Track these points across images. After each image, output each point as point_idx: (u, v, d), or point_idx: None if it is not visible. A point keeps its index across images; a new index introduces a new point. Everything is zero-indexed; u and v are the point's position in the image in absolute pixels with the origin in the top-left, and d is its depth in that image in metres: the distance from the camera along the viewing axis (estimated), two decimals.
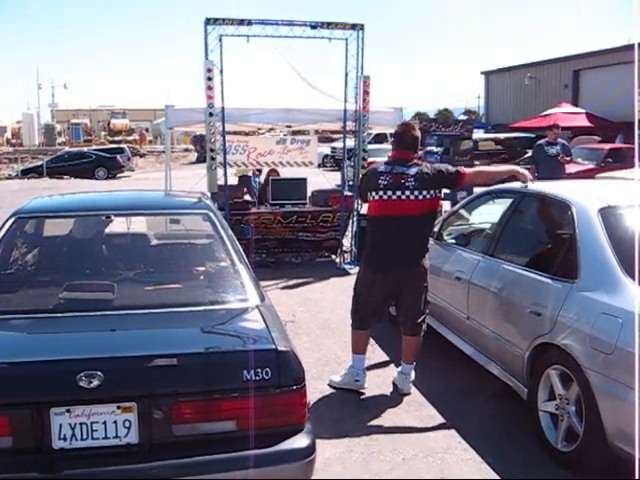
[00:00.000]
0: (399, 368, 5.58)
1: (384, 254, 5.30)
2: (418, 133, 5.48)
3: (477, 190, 7.65)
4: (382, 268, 5.33)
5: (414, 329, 5.46)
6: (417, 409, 5.14)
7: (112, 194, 6.22)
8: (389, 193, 5.23)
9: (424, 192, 5.21)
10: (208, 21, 9.56)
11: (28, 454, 3.00)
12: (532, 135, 24.88)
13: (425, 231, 5.42)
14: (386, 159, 5.89)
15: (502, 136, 27.58)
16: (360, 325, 5.51)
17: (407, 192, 5.20)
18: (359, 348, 5.53)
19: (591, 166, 18.98)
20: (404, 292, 5.38)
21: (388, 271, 5.32)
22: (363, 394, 5.41)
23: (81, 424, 3.01)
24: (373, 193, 5.31)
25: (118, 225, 4.94)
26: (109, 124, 58.14)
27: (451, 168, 5.41)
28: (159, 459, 3.05)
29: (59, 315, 3.65)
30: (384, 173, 5.30)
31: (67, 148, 41.77)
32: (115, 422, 3.03)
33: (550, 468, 4.22)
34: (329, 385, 5.53)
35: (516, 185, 5.55)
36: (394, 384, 5.55)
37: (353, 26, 10.20)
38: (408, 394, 5.43)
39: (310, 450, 3.22)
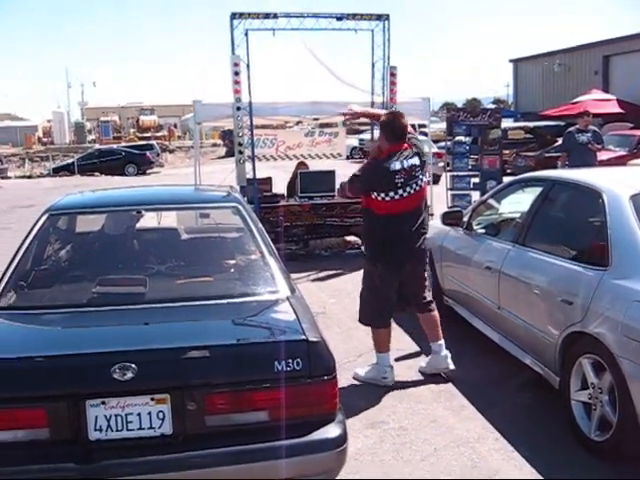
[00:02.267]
0: (432, 349, 5.58)
1: (403, 247, 5.30)
2: (407, 120, 5.41)
3: (506, 179, 7.61)
4: (403, 262, 5.33)
5: (427, 306, 5.55)
6: (448, 399, 5.14)
7: (142, 189, 6.29)
8: (408, 190, 5.21)
9: (424, 175, 5.37)
10: (234, 15, 9.60)
11: (65, 445, 3.06)
12: (562, 123, 24.55)
13: (426, 214, 5.53)
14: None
15: (531, 124, 27.24)
16: (383, 323, 5.46)
17: (419, 182, 5.28)
18: (385, 347, 5.47)
19: (623, 153, 18.68)
20: (413, 276, 5.46)
21: (407, 264, 5.35)
22: (394, 385, 5.41)
23: (116, 415, 3.06)
24: (391, 193, 5.17)
25: (149, 220, 5.00)
26: (138, 121, 58.58)
27: None
28: (193, 449, 3.09)
29: (93, 309, 3.71)
30: (398, 171, 5.17)
31: (97, 145, 42.23)
32: (149, 413, 3.08)
33: (583, 458, 4.19)
34: (354, 378, 5.50)
35: (546, 173, 5.50)
36: (424, 374, 5.56)
37: (379, 17, 10.18)
38: (451, 370, 5.47)
39: (341, 440, 3.23)
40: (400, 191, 5.18)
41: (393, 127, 5.31)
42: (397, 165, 5.19)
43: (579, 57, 35.75)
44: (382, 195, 5.20)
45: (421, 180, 5.30)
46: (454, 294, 6.61)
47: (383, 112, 5.74)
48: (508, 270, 5.35)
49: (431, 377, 5.53)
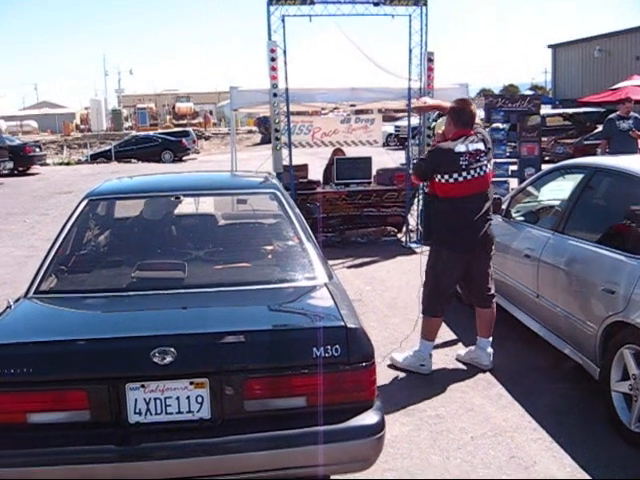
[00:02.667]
0: (477, 343, 5.53)
1: (469, 233, 5.23)
2: (475, 109, 5.43)
3: (545, 167, 7.51)
4: (468, 247, 5.26)
5: (489, 301, 5.46)
6: (485, 388, 5.10)
7: (180, 175, 6.31)
8: (472, 172, 5.16)
9: (490, 163, 5.32)
10: (270, 1, 9.57)
11: (105, 427, 3.09)
12: (602, 109, 24.17)
13: (491, 202, 5.44)
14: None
15: (570, 111, 26.84)
16: (438, 312, 5.39)
17: (484, 168, 5.24)
18: (432, 335, 5.42)
19: None
20: (478, 266, 5.36)
21: (473, 249, 5.28)
22: (430, 372, 5.39)
23: (155, 399, 3.08)
24: (455, 175, 5.14)
25: (187, 206, 5.02)
26: (174, 108, 58.95)
27: None
28: (230, 434, 3.10)
29: (132, 293, 3.74)
30: (463, 153, 5.16)
31: (134, 132, 42.56)
32: (188, 397, 3.09)
33: (623, 449, 4.13)
34: (391, 363, 5.49)
35: (587, 160, 5.42)
36: (461, 362, 5.53)
37: (416, 2, 10.06)
38: (490, 369, 5.41)
39: (379, 427, 3.22)
40: (464, 173, 5.14)
41: (462, 113, 5.34)
42: (462, 147, 5.19)
43: (620, 42, 35.09)
44: (446, 177, 5.17)
45: (486, 166, 5.26)
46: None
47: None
48: (547, 258, 5.29)
49: (468, 365, 5.50)
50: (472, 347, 5.58)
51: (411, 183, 10.51)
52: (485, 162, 5.25)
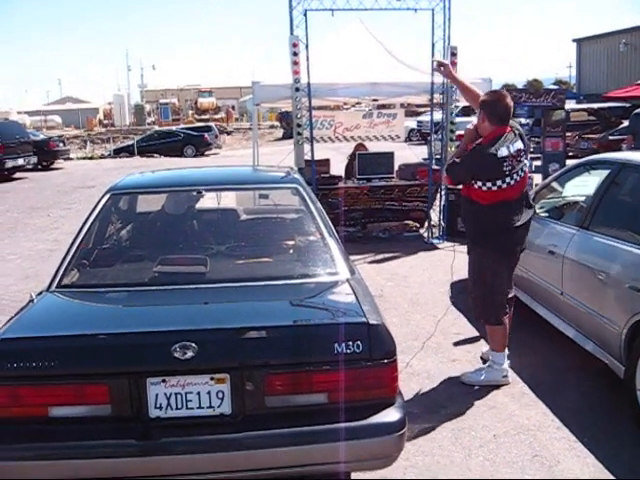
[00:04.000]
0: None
1: (513, 237, 4.96)
2: (511, 101, 4.97)
3: (570, 162, 7.42)
4: (514, 251, 5.04)
5: (511, 302, 5.27)
6: (509, 385, 5.05)
7: (202, 170, 6.31)
8: (515, 177, 4.81)
9: (527, 159, 5.07)
10: None
11: (126, 421, 3.09)
12: (627, 104, 23.91)
13: (529, 199, 5.16)
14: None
15: (595, 106, 26.56)
16: (501, 318, 5.07)
17: (524, 168, 4.92)
18: (502, 345, 5.11)
19: None
20: (512, 269, 5.17)
21: (517, 253, 5.07)
22: (454, 368, 5.34)
23: (176, 394, 3.07)
24: (498, 182, 4.75)
25: (208, 201, 5.01)
26: (196, 103, 59.21)
27: None
28: (251, 430, 3.08)
29: (154, 288, 3.74)
30: (506, 158, 4.76)
31: (156, 127, 42.84)
32: (209, 393, 3.09)
33: None
34: (465, 383, 5.12)
35: (613, 156, 5.32)
36: (483, 359, 5.47)
37: None
38: (510, 366, 5.24)
39: (401, 424, 3.19)
40: (508, 179, 4.78)
41: (497, 108, 4.87)
42: (504, 151, 4.77)
43: None
44: (488, 184, 4.78)
45: (526, 165, 4.96)
46: (515, 279, 6.45)
47: (477, 90, 5.31)
48: (572, 255, 5.22)
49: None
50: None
51: (437, 179, 10.45)
52: (525, 162, 4.94)
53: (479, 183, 4.84)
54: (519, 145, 4.88)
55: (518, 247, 5.08)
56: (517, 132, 4.95)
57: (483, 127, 4.94)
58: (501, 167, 4.75)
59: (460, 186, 5.20)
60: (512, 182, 4.81)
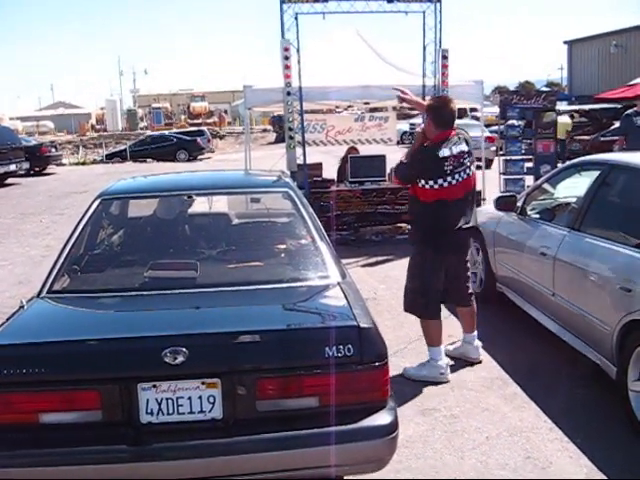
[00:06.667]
0: (464, 339, 5.61)
1: (451, 237, 5.18)
2: (456, 106, 5.28)
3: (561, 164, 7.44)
4: (452, 250, 5.24)
5: (468, 299, 5.51)
6: (501, 387, 5.06)
7: (193, 174, 6.31)
8: (456, 177, 5.08)
9: (473, 165, 5.24)
10: (283, 0, 9.56)
11: (117, 427, 3.08)
12: (619, 106, 23.96)
13: (474, 204, 5.38)
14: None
15: (587, 107, 26.63)
16: (434, 314, 5.29)
17: (467, 170, 5.15)
18: (437, 339, 5.29)
19: None
20: (458, 268, 5.37)
21: (456, 252, 5.27)
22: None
23: (167, 399, 3.07)
24: (439, 180, 5.04)
25: (200, 205, 5.01)
26: (189, 107, 59.14)
27: None
28: (242, 434, 3.08)
29: (144, 293, 3.73)
30: (448, 158, 5.05)
31: (149, 132, 42.71)
32: (200, 397, 3.08)
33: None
34: (405, 377, 5.25)
35: (603, 157, 5.35)
36: (459, 357, 5.53)
37: None
38: (479, 362, 5.47)
39: (393, 427, 3.19)
40: (449, 178, 5.06)
41: (442, 112, 5.18)
42: (446, 152, 5.06)
43: (636, 38, 34.88)
44: (430, 183, 5.07)
45: (469, 168, 5.18)
46: (507, 280, 6.50)
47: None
48: (564, 256, 5.23)
49: (483, 365, 5.47)
50: (459, 343, 5.67)
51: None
52: (468, 164, 5.16)
53: (422, 181, 5.11)
54: (462, 148, 5.16)
55: (458, 249, 5.29)
56: (462, 137, 5.23)
57: (429, 130, 5.23)
58: (442, 166, 5.04)
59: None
60: (453, 181, 5.08)
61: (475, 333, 5.57)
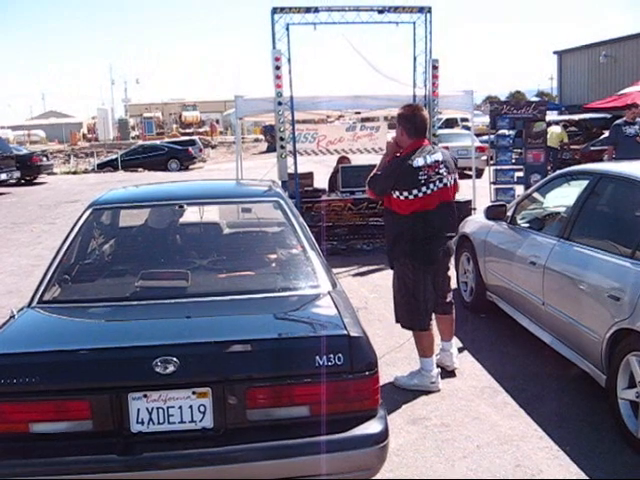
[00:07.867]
0: (440, 346, 5.59)
1: (432, 246, 5.12)
2: (427, 114, 5.24)
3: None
4: (433, 260, 5.16)
5: (448, 308, 5.49)
6: (491, 396, 5.07)
7: (184, 184, 6.31)
8: (431, 187, 4.99)
9: (451, 177, 5.16)
10: (275, 10, 9.62)
11: (108, 437, 3.08)
12: (608, 115, 24.09)
13: (455, 216, 5.33)
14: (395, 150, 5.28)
15: (577, 117, 26.77)
16: (424, 325, 5.24)
17: (443, 180, 5.08)
18: (429, 350, 5.26)
19: None
20: (439, 277, 5.33)
21: (436, 262, 5.20)
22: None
23: (158, 409, 3.07)
24: (414, 191, 4.95)
25: (191, 215, 5.01)
26: (180, 117, 59.20)
27: None
28: (233, 444, 3.08)
29: (135, 303, 3.74)
30: (422, 167, 4.97)
31: (140, 142, 42.71)
32: (190, 407, 3.09)
33: (630, 457, 4.09)
34: (396, 386, 5.27)
35: (592, 166, 5.38)
36: (438, 365, 5.46)
37: (421, 9, 10.12)
38: (455, 369, 5.51)
39: (383, 436, 3.20)
40: (424, 188, 4.97)
41: (414, 121, 5.10)
42: (420, 161, 4.98)
43: (625, 48, 35.09)
44: (405, 194, 4.98)
45: (446, 178, 5.09)
46: (497, 289, 6.53)
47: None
48: (553, 265, 5.26)
49: (473, 374, 5.48)
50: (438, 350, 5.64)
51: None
52: (444, 174, 5.08)
53: (397, 193, 5.04)
54: (437, 157, 5.08)
55: (438, 259, 5.22)
56: (436, 148, 5.22)
57: (402, 140, 5.17)
58: (417, 176, 4.97)
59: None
60: (428, 191, 5.00)
61: (453, 341, 5.60)
